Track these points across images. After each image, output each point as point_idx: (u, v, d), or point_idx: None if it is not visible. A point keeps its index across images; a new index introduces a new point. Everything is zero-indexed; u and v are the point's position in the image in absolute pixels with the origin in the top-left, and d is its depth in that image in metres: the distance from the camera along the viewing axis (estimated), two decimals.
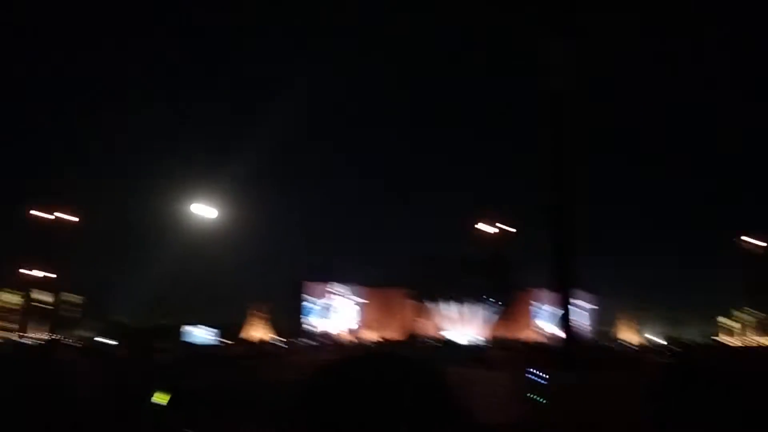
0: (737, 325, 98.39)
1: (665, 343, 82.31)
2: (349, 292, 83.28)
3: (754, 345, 60.88)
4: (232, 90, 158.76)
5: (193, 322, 38.90)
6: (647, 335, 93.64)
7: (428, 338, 58.32)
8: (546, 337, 74.70)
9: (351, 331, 79.92)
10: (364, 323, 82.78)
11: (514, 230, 49.92)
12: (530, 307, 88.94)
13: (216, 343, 24.09)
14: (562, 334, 10.10)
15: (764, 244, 47.97)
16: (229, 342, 42.59)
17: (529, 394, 7.15)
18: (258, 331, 75.70)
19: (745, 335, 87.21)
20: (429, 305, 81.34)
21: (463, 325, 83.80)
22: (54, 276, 40.10)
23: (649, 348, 39.56)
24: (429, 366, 1.38)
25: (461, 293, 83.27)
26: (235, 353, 21.52)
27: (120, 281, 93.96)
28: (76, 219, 35.34)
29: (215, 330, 24.73)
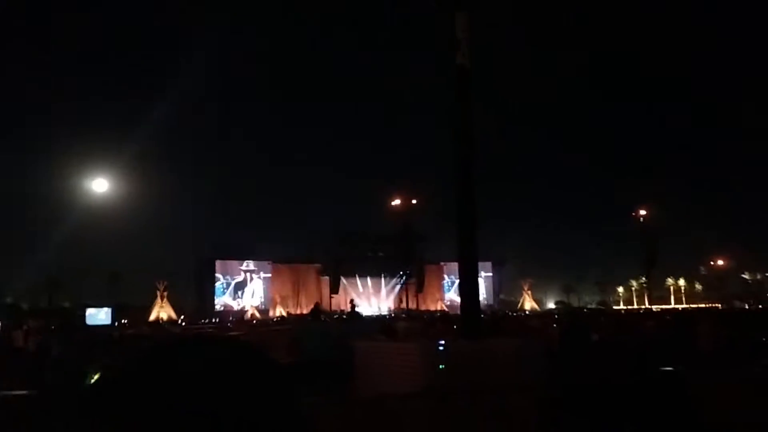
0: (627, 294, 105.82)
1: (555, 308, 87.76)
2: (260, 270, 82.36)
3: (637, 309, 65.57)
4: (126, 66, 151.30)
5: (94, 304, 37.04)
6: (550, 304, 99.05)
7: (337, 311, 58.79)
8: (454, 307, 77.60)
9: (258, 309, 79.14)
10: (275, 299, 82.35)
11: (414, 201, 50.53)
12: (442, 280, 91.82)
13: (111, 324, 23.07)
14: (465, 304, 10.35)
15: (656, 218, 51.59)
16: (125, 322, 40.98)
17: (429, 362, 7.26)
18: (158, 312, 73.35)
19: (641, 302, 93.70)
20: (340, 280, 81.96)
21: (373, 298, 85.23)
22: None
23: (546, 314, 41.55)
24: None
25: (371, 267, 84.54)
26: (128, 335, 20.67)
27: (9, 261, 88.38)
28: None
29: (109, 310, 23.59)
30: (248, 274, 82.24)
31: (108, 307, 25.65)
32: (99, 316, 23.94)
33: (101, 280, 75.90)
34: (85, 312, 24.54)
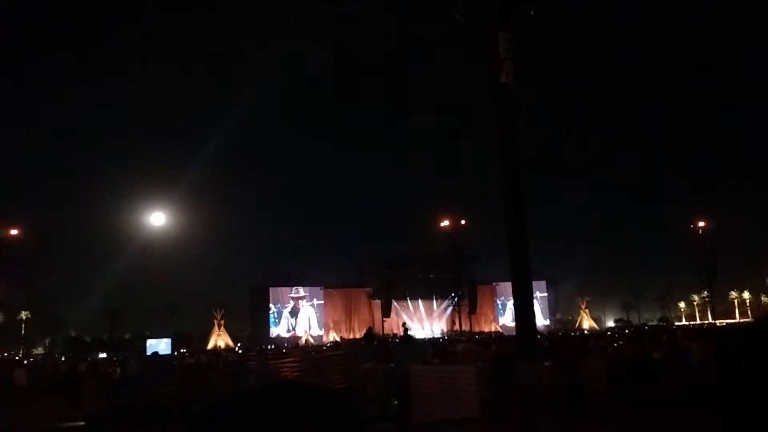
0: (690, 309, 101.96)
1: (614, 326, 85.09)
2: (312, 295, 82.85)
3: (700, 325, 62.95)
4: (182, 100, 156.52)
5: (154, 336, 37.98)
6: (609, 322, 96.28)
7: (390, 335, 58.50)
8: (508, 329, 76.17)
9: (311, 334, 79.48)
10: (328, 324, 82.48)
11: (463, 222, 50.11)
12: (495, 300, 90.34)
13: (171, 353, 23.63)
14: (521, 325, 10.16)
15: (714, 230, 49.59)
16: (185, 352, 41.76)
17: (487, 384, 7.15)
18: (216, 340, 74.61)
19: (704, 317, 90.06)
20: (392, 303, 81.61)
21: (425, 321, 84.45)
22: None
23: (606, 333, 40.37)
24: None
25: (422, 289, 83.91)
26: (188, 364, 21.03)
27: (71, 294, 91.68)
28: (17, 232, 33.85)
29: (169, 340, 24.22)
30: (301, 300, 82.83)
31: (167, 337, 26.32)
32: (159, 347, 24.49)
33: (160, 311, 77.97)
34: (145, 343, 25.19)
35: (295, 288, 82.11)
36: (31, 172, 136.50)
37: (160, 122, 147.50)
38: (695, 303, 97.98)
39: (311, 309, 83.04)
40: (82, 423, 10.74)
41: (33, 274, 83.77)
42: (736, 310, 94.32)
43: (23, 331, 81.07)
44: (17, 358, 62.53)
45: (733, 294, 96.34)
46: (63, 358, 49.92)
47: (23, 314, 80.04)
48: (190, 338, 72.16)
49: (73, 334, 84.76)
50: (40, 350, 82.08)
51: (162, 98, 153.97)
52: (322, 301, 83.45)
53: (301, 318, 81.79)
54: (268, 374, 12.91)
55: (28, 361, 46.09)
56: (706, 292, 56.39)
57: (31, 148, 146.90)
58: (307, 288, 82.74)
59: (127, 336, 77.61)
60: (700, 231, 49.98)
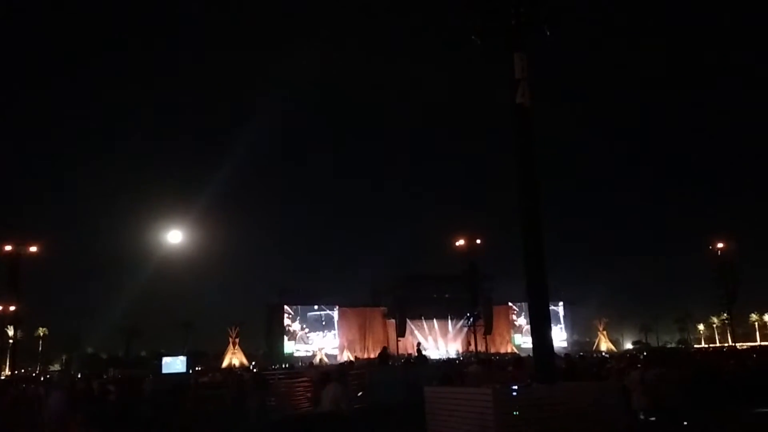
0: (709, 331, 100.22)
1: (633, 348, 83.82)
2: (328, 314, 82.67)
3: (720, 348, 61.86)
4: (199, 117, 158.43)
5: (169, 353, 38.09)
6: (627, 344, 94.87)
7: (404, 355, 58.08)
8: (523, 349, 75.34)
9: (324, 353, 79.16)
10: (342, 343, 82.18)
11: (479, 241, 49.76)
12: (510, 320, 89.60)
13: (186, 371, 23.68)
14: (538, 348, 10.04)
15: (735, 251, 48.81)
16: (200, 370, 41.80)
17: (503, 409, 7.05)
18: (231, 359, 74.56)
19: (723, 340, 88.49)
20: (407, 322, 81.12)
21: (440, 340, 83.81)
22: (17, 309, 38.87)
23: (625, 355, 39.76)
24: None
25: (437, 309, 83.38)
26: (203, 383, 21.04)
27: (88, 311, 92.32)
28: (36, 249, 34.24)
29: (184, 358, 24.29)
30: (316, 319, 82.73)
31: (182, 354, 26.37)
32: (175, 365, 24.52)
33: (176, 328, 78.24)
34: (161, 361, 25.26)
35: (313, 306, 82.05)
36: (51, 189, 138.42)
37: (180, 139, 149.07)
38: (714, 325, 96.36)
39: (326, 327, 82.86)
40: None
41: (51, 290, 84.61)
42: (757, 333, 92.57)
43: (40, 348, 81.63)
44: (34, 374, 62.92)
45: (754, 317, 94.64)
46: (79, 375, 50.15)
47: (41, 331, 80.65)
48: (205, 356, 72.19)
49: (90, 351, 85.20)
50: (56, 367, 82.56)
51: (182, 114, 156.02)
52: (336, 319, 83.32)
53: (316, 337, 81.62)
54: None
55: (45, 378, 46.32)
56: (725, 314, 55.38)
57: (53, 164, 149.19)
58: (321, 307, 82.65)
59: (143, 353, 77.87)
60: (719, 252, 49.15)
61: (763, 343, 73.65)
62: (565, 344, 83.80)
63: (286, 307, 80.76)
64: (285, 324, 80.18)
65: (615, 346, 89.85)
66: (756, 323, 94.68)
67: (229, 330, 76.30)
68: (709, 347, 69.82)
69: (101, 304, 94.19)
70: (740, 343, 63.23)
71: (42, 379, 44.02)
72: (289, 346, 79.47)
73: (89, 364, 72.83)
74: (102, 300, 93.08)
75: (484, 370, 16.41)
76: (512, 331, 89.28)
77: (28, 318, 66.78)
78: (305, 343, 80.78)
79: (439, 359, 48.92)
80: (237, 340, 76.59)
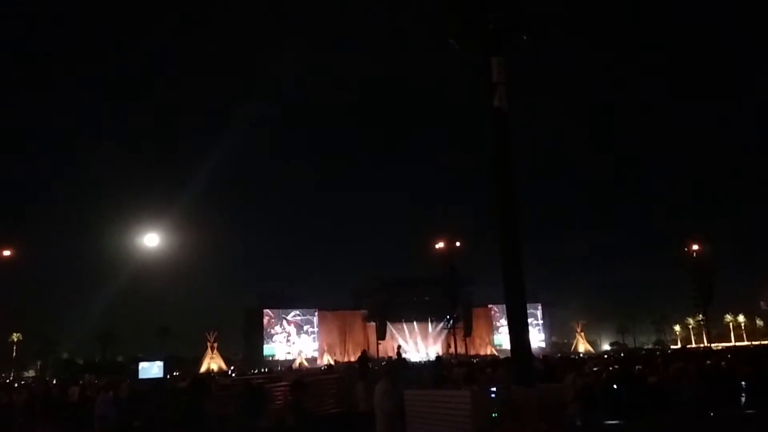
0: (685, 332, 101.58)
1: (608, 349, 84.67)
2: (307, 318, 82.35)
3: (696, 348, 62.75)
4: (176, 122, 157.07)
5: (146, 358, 37.56)
6: (605, 346, 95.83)
7: (384, 358, 58.09)
8: (503, 351, 75.75)
9: (303, 357, 78.81)
10: (322, 347, 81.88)
11: (458, 244, 50.04)
12: (491, 322, 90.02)
13: (163, 376, 23.36)
14: (516, 349, 10.10)
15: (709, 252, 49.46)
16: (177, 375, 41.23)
17: (481, 410, 7.08)
18: (209, 363, 73.80)
19: (699, 341, 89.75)
20: (387, 325, 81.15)
21: (421, 343, 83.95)
22: None
23: (602, 356, 40.17)
24: None
25: (417, 311, 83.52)
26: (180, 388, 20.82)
27: (63, 316, 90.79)
28: (9, 253, 33.60)
29: (162, 363, 23.96)
30: (295, 323, 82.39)
31: (159, 360, 26.05)
32: (152, 370, 24.23)
33: (153, 333, 77.22)
34: (138, 366, 24.93)
35: (292, 311, 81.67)
36: (25, 193, 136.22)
37: (157, 143, 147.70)
38: (690, 326, 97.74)
39: (306, 331, 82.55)
40: None
41: (25, 295, 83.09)
42: (731, 334, 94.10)
43: (14, 353, 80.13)
44: (8, 381, 61.70)
45: (728, 317, 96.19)
46: (54, 381, 49.26)
47: (15, 336, 79.18)
48: (183, 361, 71.36)
49: (65, 356, 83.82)
50: (31, 373, 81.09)
51: (158, 118, 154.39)
52: (316, 323, 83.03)
53: (295, 340, 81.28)
54: None
55: (19, 384, 45.42)
56: (701, 316, 56.18)
57: (26, 169, 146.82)
58: (301, 310, 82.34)
59: (120, 358, 76.80)
60: (694, 254, 49.90)
61: (737, 344, 74.78)
62: (543, 345, 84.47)
63: (265, 310, 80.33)
64: (264, 328, 79.77)
65: (593, 347, 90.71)
66: (731, 324, 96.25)
67: (207, 335, 75.53)
68: (686, 348, 70.70)
69: (77, 308, 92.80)
70: (715, 344, 64.15)
71: (16, 385, 43.20)
72: (268, 350, 79.04)
73: (65, 370, 71.69)
74: (77, 304, 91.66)
75: (461, 372, 16.45)
76: (493, 332, 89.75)
77: (2, 323, 65.72)
78: (285, 346, 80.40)
79: (420, 361, 48.94)
80: (215, 344, 75.85)
